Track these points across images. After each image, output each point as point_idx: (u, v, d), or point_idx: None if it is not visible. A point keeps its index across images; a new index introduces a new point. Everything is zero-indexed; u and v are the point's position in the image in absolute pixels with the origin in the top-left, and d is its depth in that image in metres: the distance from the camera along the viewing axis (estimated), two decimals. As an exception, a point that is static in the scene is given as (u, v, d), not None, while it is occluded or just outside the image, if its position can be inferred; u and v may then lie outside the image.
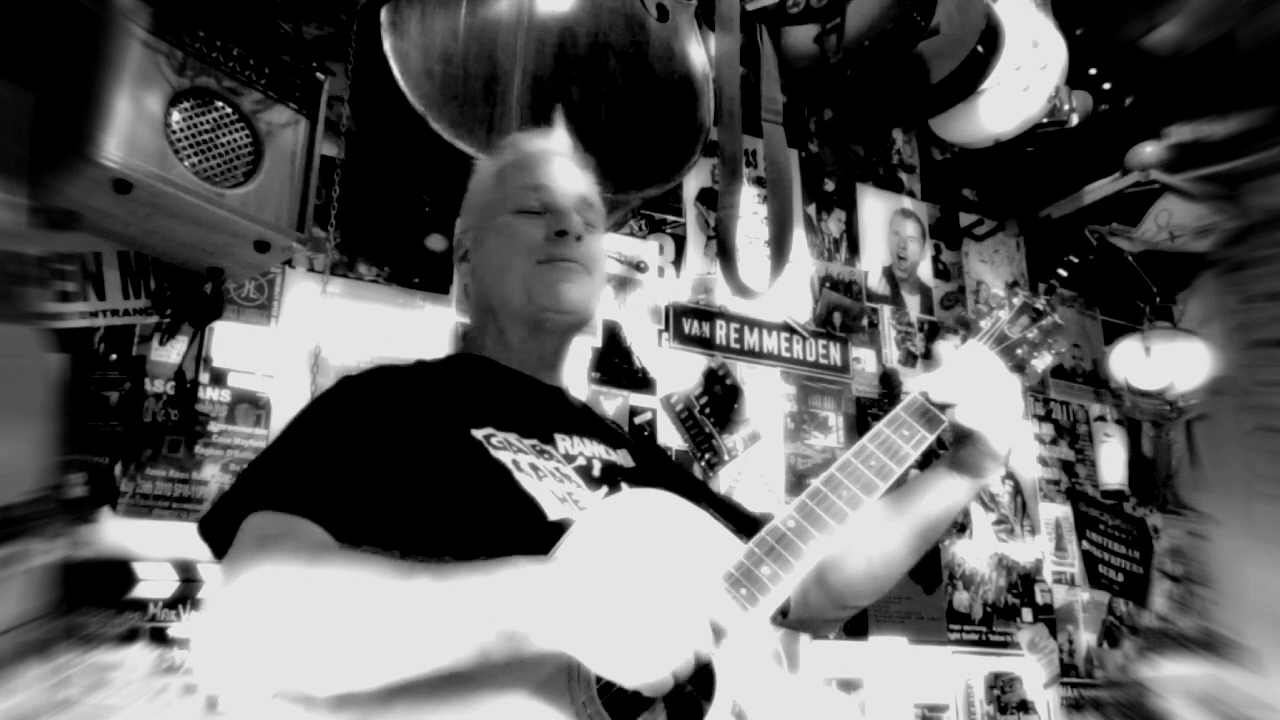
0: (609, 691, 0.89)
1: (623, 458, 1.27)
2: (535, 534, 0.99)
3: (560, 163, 1.33)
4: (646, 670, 0.83)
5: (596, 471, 1.18)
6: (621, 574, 0.87)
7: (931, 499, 1.21)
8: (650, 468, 1.30)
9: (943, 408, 1.13)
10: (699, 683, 0.93)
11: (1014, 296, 1.25)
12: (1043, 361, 1.23)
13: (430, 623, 0.83)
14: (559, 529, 1.00)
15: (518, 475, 1.07)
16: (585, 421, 1.29)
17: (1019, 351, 1.21)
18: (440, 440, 1.07)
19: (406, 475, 1.02)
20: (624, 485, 1.17)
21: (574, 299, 1.23)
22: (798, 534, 1.02)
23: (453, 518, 1.02)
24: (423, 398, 1.13)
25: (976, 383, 1.13)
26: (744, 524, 1.26)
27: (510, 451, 1.10)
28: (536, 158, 1.33)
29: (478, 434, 1.10)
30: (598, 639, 0.83)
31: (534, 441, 1.15)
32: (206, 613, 0.93)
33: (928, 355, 2.98)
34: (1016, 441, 1.46)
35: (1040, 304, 1.24)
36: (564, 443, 1.19)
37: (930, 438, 1.12)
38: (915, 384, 1.17)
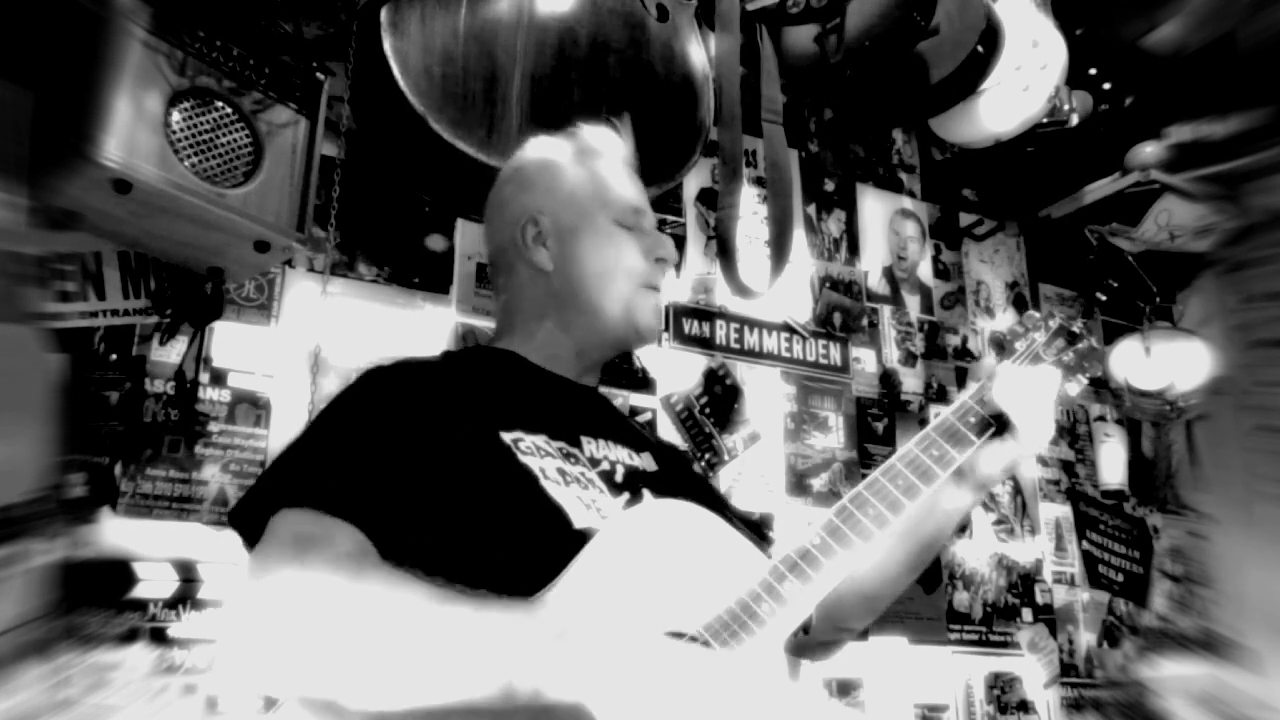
0: None
1: (646, 461, 1.26)
2: (560, 542, 0.99)
3: (640, 185, 1.34)
4: None
5: (619, 477, 1.18)
6: (646, 625, 0.87)
7: (931, 510, 1.20)
8: (672, 473, 1.29)
9: (996, 418, 1.13)
10: None
11: (1050, 319, 1.24)
12: (1076, 386, 1.23)
13: (459, 653, 0.83)
14: (584, 537, 1.00)
15: (544, 482, 1.06)
16: (611, 424, 1.29)
17: None
18: (469, 443, 1.07)
19: (435, 479, 1.02)
20: (645, 492, 1.17)
21: (659, 331, 1.30)
22: (822, 550, 1.02)
23: (479, 524, 1.02)
24: (452, 397, 1.12)
25: (1024, 402, 1.13)
26: (754, 532, 1.26)
27: (538, 457, 1.10)
28: (628, 171, 1.33)
29: (506, 437, 1.09)
30: (618, 705, 0.82)
31: (561, 444, 1.14)
32: (233, 608, 0.94)
33: (927, 355, 2.98)
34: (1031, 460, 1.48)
35: (1077, 327, 1.23)
36: (590, 446, 1.19)
37: (960, 459, 1.12)
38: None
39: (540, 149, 1.36)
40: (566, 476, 1.10)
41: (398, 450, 1.02)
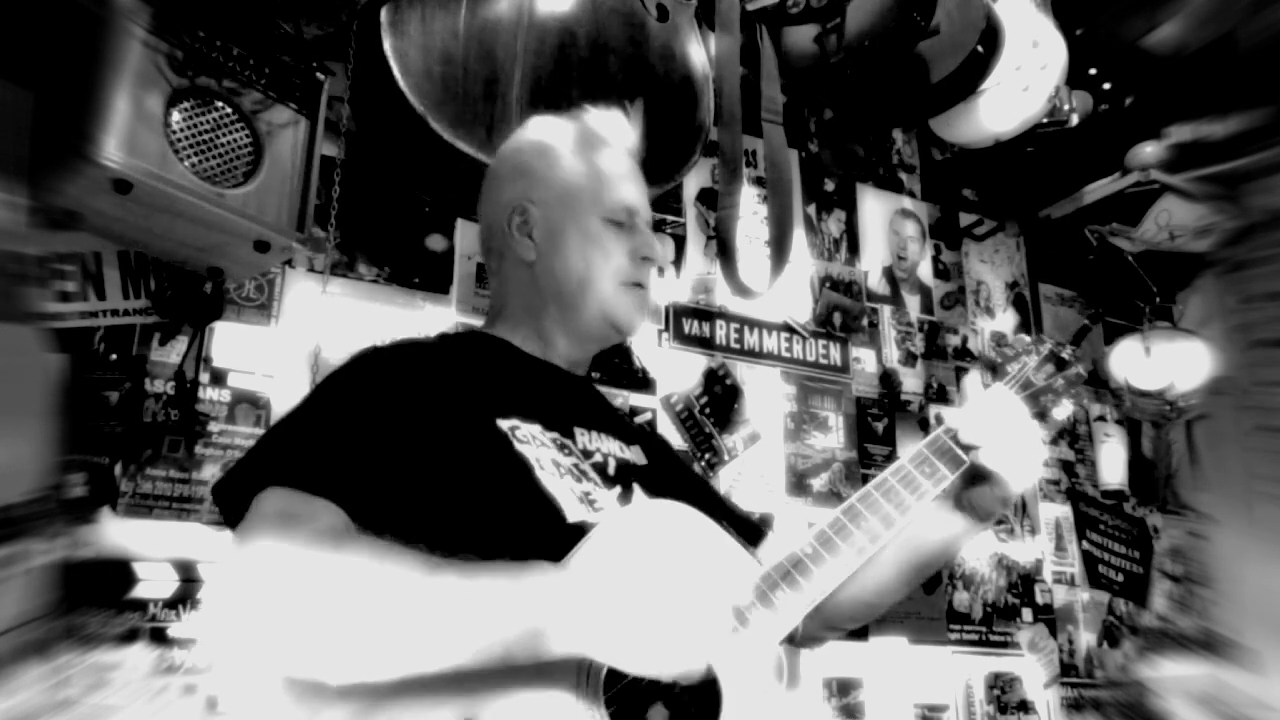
0: (616, 696, 0.89)
1: (636, 455, 1.26)
2: (554, 535, 0.99)
3: (641, 178, 1.31)
4: (664, 659, 0.84)
5: (612, 470, 1.18)
6: (644, 583, 0.89)
7: (931, 534, 1.21)
8: (661, 467, 1.29)
9: (968, 448, 1.14)
10: (705, 700, 0.94)
11: (1041, 344, 1.27)
12: (1064, 411, 1.24)
13: (454, 619, 0.84)
14: (577, 530, 1.00)
15: (539, 473, 1.06)
16: (602, 415, 1.29)
17: (1042, 399, 1.22)
18: (465, 429, 1.07)
19: (428, 463, 1.01)
20: (636, 486, 1.17)
21: (640, 323, 1.27)
22: (813, 560, 1.04)
23: (471, 513, 1.01)
24: (448, 380, 1.11)
25: (1005, 427, 1.14)
26: (745, 527, 1.26)
27: (533, 446, 1.09)
28: (627, 165, 1.30)
29: (503, 425, 1.09)
30: (617, 639, 0.84)
31: (555, 435, 1.14)
32: (218, 589, 0.93)
33: (927, 355, 2.98)
34: (1028, 488, 1.49)
35: (1066, 353, 1.25)
36: (582, 437, 1.19)
37: (952, 477, 1.14)
38: (948, 418, 1.18)
39: (542, 131, 1.32)
40: (560, 468, 1.09)
41: (388, 431, 1.01)
